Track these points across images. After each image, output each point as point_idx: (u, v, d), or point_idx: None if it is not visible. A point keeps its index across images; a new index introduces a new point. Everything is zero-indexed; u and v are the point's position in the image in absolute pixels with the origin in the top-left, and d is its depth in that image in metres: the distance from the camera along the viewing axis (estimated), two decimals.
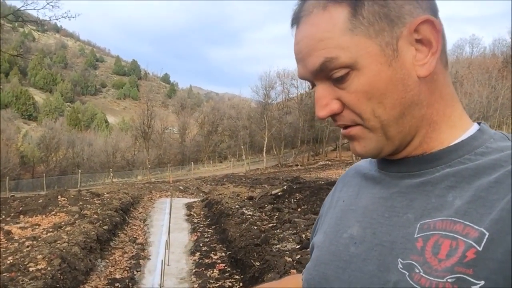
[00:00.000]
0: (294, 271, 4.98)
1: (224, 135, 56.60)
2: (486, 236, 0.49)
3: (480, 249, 0.49)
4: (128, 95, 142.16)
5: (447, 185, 0.57)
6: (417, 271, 0.53)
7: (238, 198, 12.37)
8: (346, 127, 0.63)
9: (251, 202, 11.26)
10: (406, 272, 0.54)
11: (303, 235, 6.66)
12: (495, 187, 0.52)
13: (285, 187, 12.26)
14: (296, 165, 38.76)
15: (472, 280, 0.48)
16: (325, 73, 0.60)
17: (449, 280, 0.49)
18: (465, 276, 0.48)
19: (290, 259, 5.50)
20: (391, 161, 0.66)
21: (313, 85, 0.64)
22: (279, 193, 11.42)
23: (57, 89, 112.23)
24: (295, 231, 7.12)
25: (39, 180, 34.51)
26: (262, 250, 6.15)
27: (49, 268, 5.26)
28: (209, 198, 13.40)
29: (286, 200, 10.69)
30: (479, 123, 0.63)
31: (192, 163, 42.69)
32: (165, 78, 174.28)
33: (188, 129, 58.08)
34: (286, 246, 6.32)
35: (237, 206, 10.48)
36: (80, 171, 35.23)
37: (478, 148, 0.58)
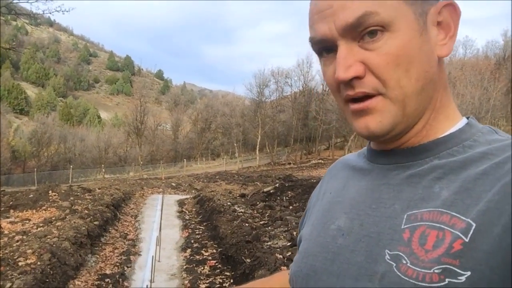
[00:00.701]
0: (285, 268, 5.00)
1: (217, 133, 56.49)
2: (473, 227, 0.49)
3: (467, 240, 0.49)
4: (121, 90, 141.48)
5: (434, 176, 0.57)
6: (404, 262, 0.52)
7: (230, 195, 12.39)
8: (361, 100, 0.59)
9: (243, 200, 11.28)
10: (393, 263, 0.54)
11: (294, 233, 6.68)
12: (482, 178, 0.52)
13: (277, 185, 12.29)
14: (288, 164, 38.80)
15: (458, 270, 0.48)
16: (357, 30, 0.56)
17: (436, 271, 0.49)
18: (451, 267, 0.48)
19: (281, 256, 5.52)
20: (381, 153, 0.66)
21: (328, 51, 0.61)
22: (271, 191, 11.45)
23: (49, 83, 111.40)
24: (286, 229, 7.14)
25: (30, 175, 34.25)
26: (253, 247, 6.16)
27: (38, 263, 5.24)
28: (201, 195, 13.37)
29: (278, 197, 10.73)
30: (467, 117, 0.64)
31: (185, 160, 42.55)
32: (159, 75, 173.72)
33: (181, 126, 57.90)
34: (277, 243, 6.34)
35: (229, 203, 10.49)
36: (71, 166, 35.00)
37: (466, 141, 0.59)
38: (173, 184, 19.80)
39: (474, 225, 0.49)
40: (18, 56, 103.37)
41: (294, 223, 7.44)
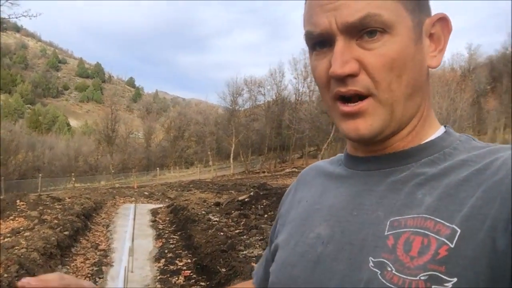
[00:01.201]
0: None
1: (191, 141, 56.15)
2: (458, 233, 0.49)
3: (452, 246, 0.48)
4: (91, 98, 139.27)
5: (416, 183, 0.57)
6: (389, 269, 0.52)
7: (205, 204, 12.28)
8: (350, 100, 0.59)
9: (217, 208, 11.20)
10: (378, 271, 0.53)
11: None
12: (464, 185, 0.52)
13: (252, 193, 12.27)
14: (263, 172, 38.90)
15: (444, 277, 0.47)
16: (357, 29, 0.56)
17: (422, 278, 0.49)
18: (437, 274, 0.48)
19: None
20: (362, 159, 0.66)
21: (321, 45, 0.60)
22: (246, 199, 11.41)
23: (16, 90, 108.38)
24: (261, 237, 7.13)
25: None
26: (229, 256, 6.11)
27: (5, 275, 5.04)
28: (174, 204, 13.21)
29: (253, 206, 10.70)
30: (445, 126, 0.65)
31: (158, 168, 42.09)
32: (130, 82, 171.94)
33: (154, 134, 57.29)
34: (252, 252, 6.32)
35: (203, 212, 10.40)
36: (40, 175, 34.01)
37: (446, 148, 0.60)
38: (146, 193, 19.52)
39: (459, 230, 0.49)
40: None
41: (269, 232, 7.44)
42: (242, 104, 47.52)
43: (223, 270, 5.70)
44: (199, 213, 10.09)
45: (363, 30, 0.56)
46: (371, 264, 0.54)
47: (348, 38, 0.57)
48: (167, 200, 16.78)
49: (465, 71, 48.04)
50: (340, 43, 0.57)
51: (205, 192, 17.39)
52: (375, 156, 0.64)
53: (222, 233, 7.67)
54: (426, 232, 0.51)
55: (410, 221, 0.53)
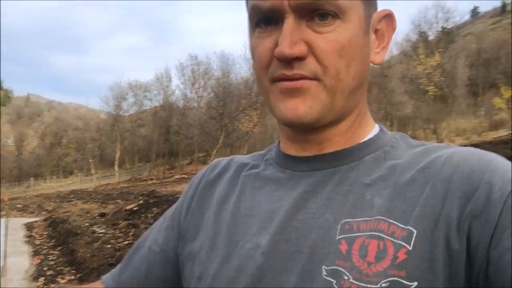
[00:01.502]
0: None
1: (70, 148, 52.73)
2: (415, 234, 0.47)
3: (410, 248, 0.47)
4: None
5: (362, 183, 0.55)
6: (346, 277, 0.48)
7: (88, 215, 11.73)
8: (293, 79, 0.55)
9: (103, 219, 10.73)
10: (333, 280, 0.49)
11: None
12: (411, 184, 0.51)
13: (140, 201, 11.90)
14: (151, 179, 37.90)
15: (405, 282, 0.46)
16: (309, 10, 0.53)
17: (383, 285, 0.46)
18: (398, 279, 0.46)
19: None
20: (299, 159, 0.61)
21: (266, 23, 0.56)
22: (135, 208, 11.06)
23: None
24: None
25: None
26: None
27: None
28: (53, 216, 12.52)
29: (143, 215, 10.40)
30: (378, 124, 0.65)
31: (32, 178, 38.71)
32: None
33: (26, 140, 52.68)
34: None
35: (87, 224, 9.94)
36: None
37: (385, 146, 0.59)
38: (19, 205, 18.27)
39: (415, 232, 0.47)
40: None
41: None
42: (127, 109, 45.83)
43: None
44: (82, 226, 9.61)
45: (315, 12, 0.53)
46: (324, 273, 0.50)
47: (298, 18, 0.53)
48: (44, 212, 15.96)
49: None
50: (290, 21, 0.53)
51: (88, 203, 16.73)
52: (316, 156, 0.60)
53: (109, 246, 7.38)
54: (381, 235, 0.49)
55: (363, 225, 0.51)
